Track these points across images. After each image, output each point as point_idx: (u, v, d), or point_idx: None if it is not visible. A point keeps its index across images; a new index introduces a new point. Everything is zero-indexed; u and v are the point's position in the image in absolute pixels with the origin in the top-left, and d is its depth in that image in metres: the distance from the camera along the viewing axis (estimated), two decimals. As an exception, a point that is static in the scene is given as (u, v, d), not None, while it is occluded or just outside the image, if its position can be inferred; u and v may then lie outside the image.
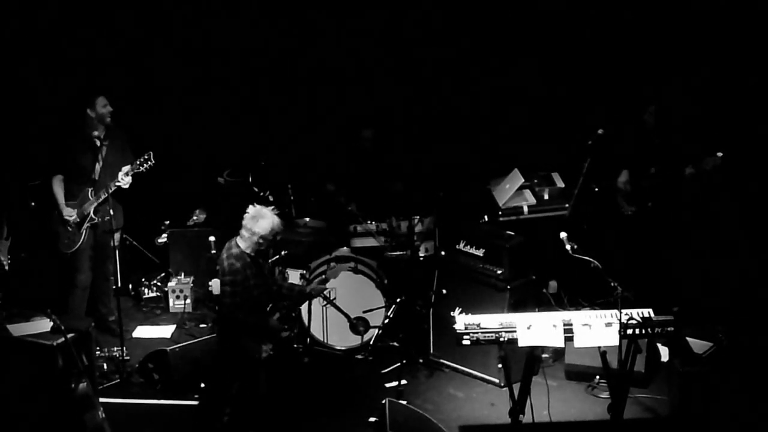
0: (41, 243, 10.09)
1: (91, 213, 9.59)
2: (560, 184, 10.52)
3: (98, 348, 9.41)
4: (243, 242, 7.97)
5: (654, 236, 9.98)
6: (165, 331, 10.30)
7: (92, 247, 9.76)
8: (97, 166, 9.55)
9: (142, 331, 10.39)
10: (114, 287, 9.77)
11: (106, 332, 10.00)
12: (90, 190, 9.54)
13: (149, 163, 9.30)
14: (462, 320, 7.42)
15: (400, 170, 10.89)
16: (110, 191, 9.43)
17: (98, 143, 9.45)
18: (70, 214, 9.58)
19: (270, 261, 10.15)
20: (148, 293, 11.14)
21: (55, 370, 8.01)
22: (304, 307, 9.67)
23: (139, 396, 9.02)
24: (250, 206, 8.07)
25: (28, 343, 8.21)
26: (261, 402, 8.05)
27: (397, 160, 11.02)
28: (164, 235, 10.23)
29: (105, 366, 9.40)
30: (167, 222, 10.28)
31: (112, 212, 9.37)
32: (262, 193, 10.35)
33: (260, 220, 7.90)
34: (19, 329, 8.36)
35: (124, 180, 9.38)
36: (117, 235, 9.74)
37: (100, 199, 9.50)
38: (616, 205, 10.12)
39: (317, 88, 11.81)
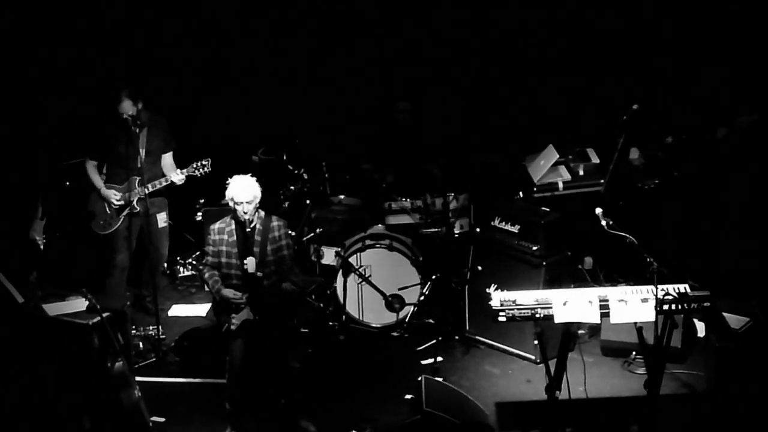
0: (76, 223, 10.19)
1: (135, 203, 9.74)
2: (595, 159, 10.50)
3: (134, 327, 9.54)
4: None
5: (686, 207, 9.92)
6: (200, 309, 10.41)
7: (129, 230, 9.89)
8: (141, 153, 9.68)
9: (177, 310, 10.52)
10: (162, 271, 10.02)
11: (141, 310, 10.12)
12: (137, 179, 9.67)
13: (206, 169, 9.52)
14: (497, 297, 7.43)
15: (436, 147, 10.92)
16: (160, 185, 9.70)
17: (135, 129, 9.59)
18: (116, 197, 9.73)
19: (305, 239, 10.23)
20: (183, 272, 11.18)
21: (90, 350, 8.13)
22: (339, 285, 9.79)
23: (174, 375, 9.15)
24: None
25: (64, 322, 8.33)
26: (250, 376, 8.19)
27: (433, 136, 11.04)
28: (199, 213, 10.29)
29: (141, 345, 9.53)
30: (202, 200, 10.34)
31: (156, 209, 9.77)
32: (296, 171, 10.40)
33: (229, 186, 8.09)
34: (54, 309, 8.47)
35: (177, 178, 9.60)
36: (164, 215, 9.93)
37: (148, 191, 9.65)
38: (633, 182, 10.06)
39: (352, 61, 11.87)
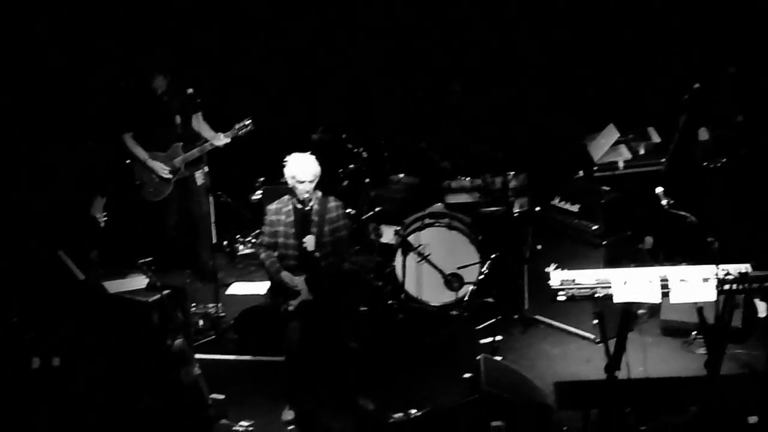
0: (135, 199, 10.35)
1: (182, 168, 9.91)
2: (656, 138, 10.42)
3: (194, 304, 9.65)
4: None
5: (751, 186, 9.81)
6: (260, 287, 10.47)
7: (180, 195, 10.12)
8: (177, 119, 9.93)
9: (237, 288, 10.63)
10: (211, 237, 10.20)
11: (204, 279, 10.27)
12: (179, 145, 9.88)
13: (249, 128, 9.68)
14: (557, 276, 7.40)
15: (490, 127, 10.89)
16: (205, 150, 9.78)
17: (166, 98, 9.92)
18: (163, 168, 9.93)
19: (364, 218, 10.27)
20: (242, 249, 11.33)
21: (150, 327, 8.25)
22: (398, 264, 9.81)
23: (234, 352, 9.26)
24: None
25: (124, 300, 8.45)
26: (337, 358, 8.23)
27: (488, 116, 11.02)
28: (258, 191, 10.40)
29: (200, 322, 9.65)
30: (261, 179, 10.43)
31: (206, 169, 9.75)
32: (356, 150, 10.44)
33: (286, 163, 8.17)
34: (115, 286, 8.58)
35: (221, 141, 9.74)
36: (200, 173, 10.13)
37: (194, 156, 9.83)
38: (697, 160, 9.96)
39: (411, 39, 11.87)
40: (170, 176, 10.02)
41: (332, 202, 8.25)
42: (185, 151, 9.93)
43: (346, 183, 10.42)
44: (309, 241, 8.10)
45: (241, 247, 11.34)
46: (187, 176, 10.13)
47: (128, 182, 10.23)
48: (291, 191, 8.18)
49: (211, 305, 9.78)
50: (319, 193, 8.21)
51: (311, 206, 8.14)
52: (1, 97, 10.47)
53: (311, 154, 8.18)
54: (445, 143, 10.76)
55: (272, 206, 8.28)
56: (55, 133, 10.58)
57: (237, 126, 9.79)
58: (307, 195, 8.08)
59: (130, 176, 10.20)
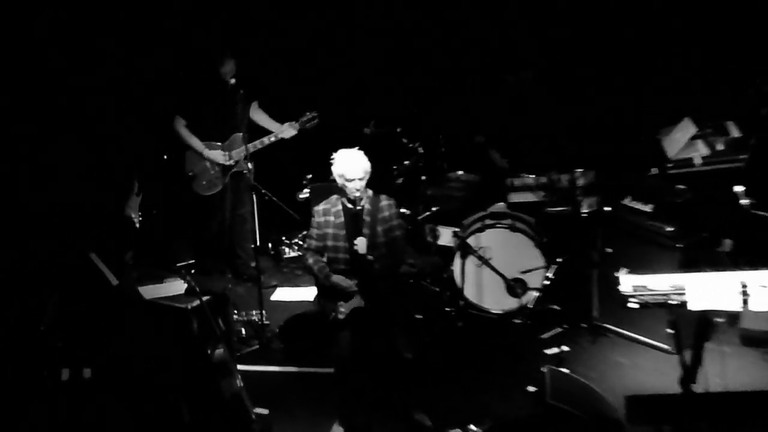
0: (175, 199, 10.44)
1: (242, 159, 10.04)
2: (735, 133, 10.31)
3: (236, 311, 9.73)
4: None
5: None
6: (307, 293, 10.54)
7: (232, 190, 10.26)
8: (238, 108, 10.01)
9: (282, 294, 10.70)
10: (255, 238, 10.26)
11: (247, 281, 10.40)
12: (240, 135, 9.98)
13: (315, 121, 9.85)
14: (628, 281, 7.37)
15: (561, 119, 10.83)
16: (269, 141, 10.18)
17: (229, 83, 9.97)
18: (224, 157, 10.05)
19: (420, 218, 10.29)
20: (288, 252, 11.36)
21: (189, 336, 8.24)
22: (456, 268, 9.81)
23: (279, 363, 9.30)
24: None
25: (161, 306, 8.47)
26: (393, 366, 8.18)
27: (558, 108, 10.96)
28: (306, 189, 10.43)
29: (243, 331, 9.70)
30: (309, 176, 10.47)
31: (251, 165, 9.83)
32: (411, 145, 10.48)
33: (334, 160, 8.20)
34: (151, 291, 8.63)
35: (289, 132, 10.01)
36: (250, 165, 10.14)
37: (255, 149, 10.02)
38: None
39: (471, 28, 11.87)
40: (231, 163, 10.13)
41: (384, 201, 8.27)
42: (245, 143, 9.99)
43: (400, 181, 10.48)
44: (360, 243, 8.11)
45: (287, 249, 11.38)
46: (241, 171, 10.24)
47: (179, 174, 10.34)
48: (340, 190, 8.22)
49: (254, 312, 9.83)
50: (370, 192, 8.23)
51: (362, 206, 8.16)
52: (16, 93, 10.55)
53: (363, 149, 8.19)
54: (508, 137, 10.72)
55: (319, 207, 8.32)
56: (83, 130, 10.68)
57: (306, 116, 9.95)
58: (357, 194, 8.11)
59: (180, 168, 10.34)
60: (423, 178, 10.35)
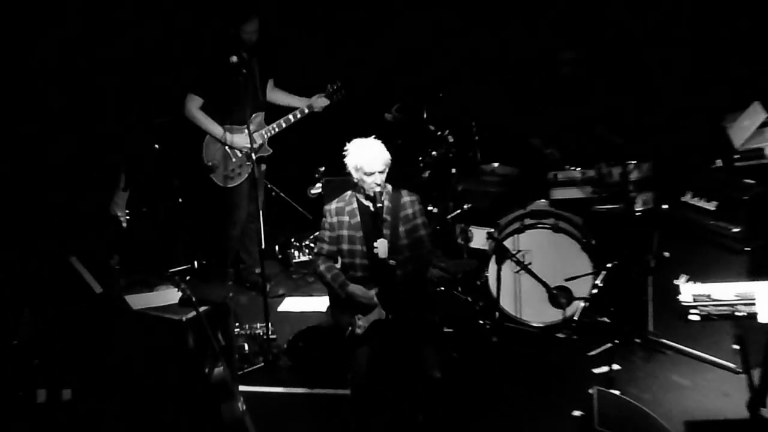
0: (167, 194, 10.45)
1: (266, 141, 10.06)
2: (814, 120, 10.31)
3: (238, 324, 9.73)
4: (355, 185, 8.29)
5: None
6: (320, 303, 10.56)
7: (252, 181, 10.27)
8: (258, 83, 10.13)
9: (291, 304, 10.73)
10: (260, 240, 10.11)
11: (250, 289, 10.46)
12: (261, 115, 10.06)
13: (342, 92, 9.95)
14: (689, 290, 7.36)
15: (609, 104, 10.82)
16: (295, 118, 10.25)
17: (244, 64, 9.96)
18: (245, 142, 10.03)
19: (450, 217, 10.30)
20: (298, 256, 11.34)
21: (184, 351, 8.30)
22: (491, 274, 9.84)
23: (287, 383, 9.29)
24: None
25: (152, 317, 8.48)
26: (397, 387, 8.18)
27: (606, 91, 10.95)
28: (318, 184, 10.41)
29: (246, 346, 9.69)
30: (322, 169, 10.45)
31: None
32: (439, 132, 10.47)
33: (348, 152, 8.16)
34: (140, 301, 8.64)
35: (319, 104, 10.26)
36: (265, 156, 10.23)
37: (281, 128, 10.08)
38: None
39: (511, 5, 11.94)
40: (257, 148, 10.12)
41: (406, 197, 8.25)
42: (263, 121, 10.02)
43: (427, 174, 10.47)
44: (381, 246, 8.05)
45: (296, 253, 11.36)
46: (268, 154, 10.29)
47: (172, 164, 10.37)
48: (355, 186, 8.21)
49: (259, 325, 9.81)
50: (390, 187, 8.21)
51: (382, 203, 8.11)
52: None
53: (383, 138, 8.16)
54: (550, 125, 10.73)
55: (332, 206, 8.30)
56: (63, 118, 10.66)
57: (331, 87, 9.98)
58: (377, 189, 8.06)
59: (197, 157, 10.38)
60: (453, 171, 10.34)
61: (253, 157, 9.77)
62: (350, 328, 8.09)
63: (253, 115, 10.19)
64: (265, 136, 10.18)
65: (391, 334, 8.06)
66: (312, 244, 11.07)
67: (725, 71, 11.20)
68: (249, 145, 9.83)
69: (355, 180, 8.12)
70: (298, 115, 10.22)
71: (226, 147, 10.21)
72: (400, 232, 8.15)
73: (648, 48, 11.44)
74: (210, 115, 10.21)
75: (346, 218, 8.20)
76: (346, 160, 8.11)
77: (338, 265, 8.27)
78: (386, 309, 8.07)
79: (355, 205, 8.20)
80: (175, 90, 10.52)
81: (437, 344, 8.41)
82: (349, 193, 8.27)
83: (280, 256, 11.42)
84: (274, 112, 10.50)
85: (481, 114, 10.96)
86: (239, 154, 10.20)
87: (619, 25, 11.53)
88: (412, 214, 8.21)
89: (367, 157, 8.02)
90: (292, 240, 11.44)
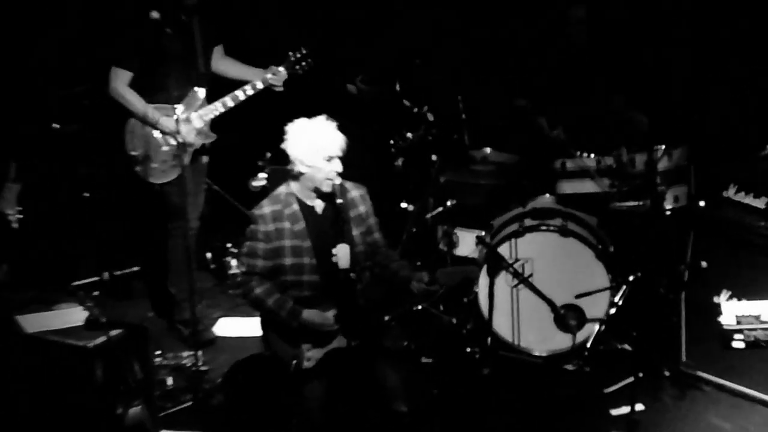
0: (70, 186, 10.39)
1: (207, 125, 9.96)
2: None
3: (159, 352, 9.75)
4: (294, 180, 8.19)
5: None
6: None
7: (193, 177, 10.16)
8: (198, 50, 10.00)
9: (227, 326, 10.74)
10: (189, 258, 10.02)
11: (173, 328, 10.38)
12: (201, 91, 9.90)
13: (307, 62, 9.80)
14: (732, 310, 7.41)
15: (630, 75, 10.84)
16: (245, 95, 10.02)
17: (184, 16, 9.92)
18: (169, 126, 9.87)
19: (430, 216, 10.28)
20: (237, 266, 11.33)
21: (92, 387, 8.16)
22: (482, 289, 9.78)
23: (222, 427, 9.22)
24: None
25: (50, 343, 8.33)
26: None
27: (626, 59, 10.95)
28: (262, 174, 10.38)
29: (170, 380, 9.67)
30: (268, 155, 10.41)
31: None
32: (416, 109, 10.45)
33: (293, 136, 8.08)
34: (35, 322, 8.51)
35: (276, 78, 10.01)
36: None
37: (228, 107, 9.97)
38: None
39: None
40: (195, 141, 10.00)
41: (354, 191, 8.27)
42: (202, 99, 9.98)
43: (400, 162, 10.46)
44: (342, 254, 8.04)
45: (234, 262, 11.35)
46: (210, 141, 10.16)
47: (117, 153, 10.26)
48: (293, 181, 8.15)
49: (186, 354, 9.85)
50: (338, 180, 8.16)
51: (344, 199, 8.10)
52: None
53: (344, 117, 8.10)
54: (557, 100, 10.74)
55: (264, 211, 8.19)
56: None
57: (293, 56, 9.87)
58: (337, 180, 8.03)
59: (118, 143, 10.17)
60: (434, 158, 10.33)
61: (185, 145, 9.72)
62: (295, 362, 8.06)
63: (191, 92, 10.02)
64: (205, 118, 10.01)
65: (351, 364, 8.08)
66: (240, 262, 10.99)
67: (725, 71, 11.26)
68: (180, 130, 9.66)
69: (302, 171, 8.02)
70: (249, 92, 10.02)
71: (155, 133, 10.06)
72: (355, 237, 8.17)
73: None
74: (137, 91, 10.07)
75: (287, 224, 8.13)
76: (290, 146, 8.04)
77: (268, 285, 8.18)
78: (347, 334, 8.05)
79: (296, 206, 8.12)
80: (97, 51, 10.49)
81: (406, 373, 8.37)
82: (283, 191, 8.19)
83: (213, 266, 11.37)
84: (225, 87, 10.36)
85: (469, 86, 10.96)
86: (172, 142, 10.05)
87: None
88: (365, 212, 8.26)
89: (325, 136, 7.96)
90: (229, 246, 11.41)
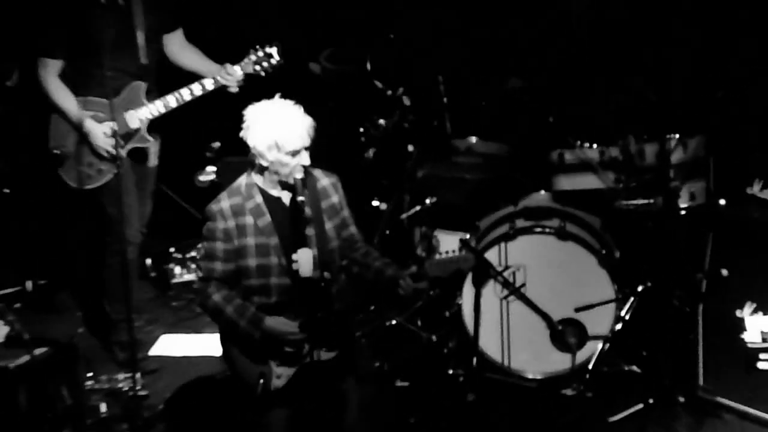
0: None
1: (144, 127, 9.83)
2: None
3: (91, 374, 9.66)
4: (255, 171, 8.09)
5: None
6: (212, 343, 10.39)
7: (135, 182, 10.09)
8: (139, 39, 9.82)
9: (170, 344, 10.70)
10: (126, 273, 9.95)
11: (107, 348, 10.28)
12: (142, 86, 9.81)
13: (273, 60, 9.65)
14: (757, 325, 7.37)
15: (638, 48, 10.81)
16: (193, 96, 9.87)
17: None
18: (102, 126, 9.77)
19: (405, 216, 10.24)
20: (181, 274, 11.30)
21: (12, 413, 8.15)
22: (466, 303, 9.81)
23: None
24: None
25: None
26: None
27: (633, 30, 10.93)
28: (211, 168, 10.34)
29: (104, 407, 9.56)
30: (216, 145, 10.36)
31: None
32: (390, 91, 10.42)
33: (252, 125, 7.91)
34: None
35: (232, 78, 9.80)
36: (157, 146, 10.18)
37: (170, 107, 9.82)
38: None
39: None
40: (122, 144, 9.88)
41: (324, 179, 8.18)
42: (151, 99, 9.85)
43: (371, 153, 10.43)
44: (304, 259, 7.94)
45: (177, 269, 11.32)
46: (146, 145, 10.04)
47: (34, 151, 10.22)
48: (255, 170, 8.06)
49: (122, 376, 9.74)
50: (300, 175, 8.04)
51: (304, 195, 7.96)
52: None
53: (304, 100, 8.02)
54: (554, 80, 10.75)
55: (223, 205, 8.05)
56: None
57: (255, 54, 9.74)
58: (299, 176, 7.92)
59: (41, 140, 10.10)
60: (410, 148, 10.27)
61: (121, 150, 9.62)
62: (262, 382, 7.93)
63: (129, 86, 9.92)
64: (144, 118, 9.90)
65: (321, 384, 8.00)
66: (198, 263, 10.94)
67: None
68: (108, 137, 9.63)
69: (263, 165, 7.93)
70: (197, 92, 9.88)
71: (83, 130, 9.97)
72: (328, 231, 8.07)
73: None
74: (69, 83, 9.98)
75: (250, 220, 8.01)
76: (249, 137, 7.89)
77: (234, 292, 8.08)
78: (320, 346, 7.95)
79: (260, 198, 8.01)
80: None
81: (377, 399, 8.31)
82: (243, 181, 8.07)
83: (153, 274, 11.31)
84: (184, 79, 10.29)
85: (452, 64, 10.92)
86: (102, 143, 9.96)
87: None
88: (338, 203, 8.16)
89: (287, 128, 7.82)
90: (172, 251, 11.35)
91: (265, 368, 7.91)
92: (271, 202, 7.96)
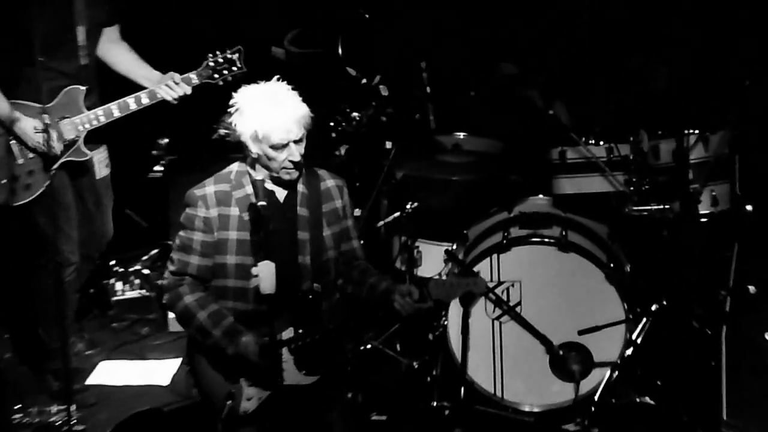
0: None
1: (81, 138, 9.77)
2: None
3: (19, 406, 9.66)
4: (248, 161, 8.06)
5: None
6: (158, 370, 10.51)
7: (74, 196, 9.98)
8: (79, 35, 9.72)
9: (110, 372, 10.64)
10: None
11: (39, 376, 10.22)
12: (81, 90, 9.72)
13: (235, 68, 9.62)
14: (788, 350, 7.35)
15: (650, 32, 10.80)
16: (129, 110, 9.76)
17: None
18: (32, 128, 9.68)
19: (383, 223, 10.24)
20: (123, 290, 11.27)
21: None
22: (453, 324, 9.75)
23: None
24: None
25: None
26: None
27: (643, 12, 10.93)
28: (158, 167, 10.31)
29: (35, 440, 9.64)
30: (164, 141, 10.34)
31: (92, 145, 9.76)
32: (364, 80, 10.40)
33: (239, 110, 7.89)
34: None
35: (175, 91, 9.68)
36: (104, 155, 10.10)
37: (111, 117, 9.72)
38: None
39: None
40: (57, 153, 9.82)
41: (329, 180, 8.18)
42: (89, 105, 9.78)
43: (343, 151, 10.40)
44: (265, 275, 7.83)
45: (119, 285, 11.29)
46: (83, 159, 9.97)
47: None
48: (253, 162, 8.00)
49: (54, 408, 9.70)
50: (295, 174, 8.02)
51: (291, 193, 8.01)
52: None
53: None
54: (558, 67, 10.77)
55: (207, 190, 7.99)
56: None
57: (213, 60, 9.67)
58: (293, 175, 7.90)
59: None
60: (388, 145, 10.23)
61: (68, 158, 9.60)
62: (228, 403, 7.90)
63: (65, 90, 9.86)
64: (81, 128, 9.84)
65: (296, 411, 7.99)
66: (147, 271, 10.89)
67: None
68: (35, 134, 9.52)
69: (253, 155, 7.90)
70: (144, 101, 9.82)
71: (11, 139, 9.90)
72: (326, 239, 8.05)
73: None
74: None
75: (235, 211, 7.98)
76: (236, 123, 7.88)
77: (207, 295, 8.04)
78: (303, 368, 7.94)
79: (250, 189, 7.96)
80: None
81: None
82: (235, 167, 8.05)
83: (92, 291, 11.26)
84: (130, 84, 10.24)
85: (436, 48, 10.89)
86: (30, 155, 9.90)
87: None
88: (341, 209, 8.15)
89: (272, 118, 7.78)
90: (113, 264, 11.30)
91: (235, 387, 7.88)
92: (263, 193, 7.89)
